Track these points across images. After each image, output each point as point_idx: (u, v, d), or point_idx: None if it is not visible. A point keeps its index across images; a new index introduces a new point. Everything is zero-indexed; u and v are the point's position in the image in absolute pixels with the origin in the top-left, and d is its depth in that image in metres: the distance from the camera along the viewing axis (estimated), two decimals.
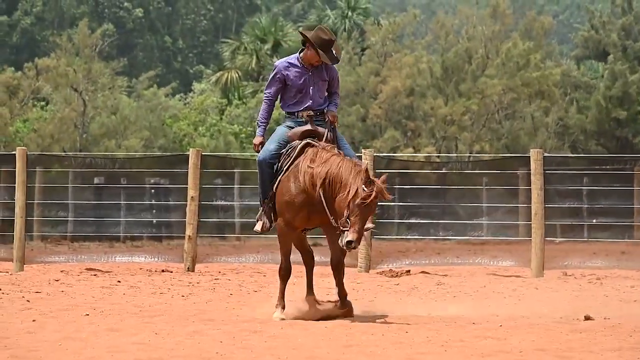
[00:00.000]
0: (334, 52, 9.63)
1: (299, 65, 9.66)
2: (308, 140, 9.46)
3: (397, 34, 34.81)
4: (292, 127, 9.63)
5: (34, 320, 9.07)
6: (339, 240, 8.94)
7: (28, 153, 16.25)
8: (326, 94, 9.78)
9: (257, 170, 9.68)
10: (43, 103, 34.83)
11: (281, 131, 9.64)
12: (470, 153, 30.03)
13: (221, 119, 35.59)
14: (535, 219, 15.10)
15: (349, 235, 8.80)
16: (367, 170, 8.99)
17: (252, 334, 8.26)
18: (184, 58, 55.00)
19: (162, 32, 54.37)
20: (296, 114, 9.67)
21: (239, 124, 35.26)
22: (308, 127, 9.57)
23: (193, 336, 8.11)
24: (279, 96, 9.77)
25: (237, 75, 41.20)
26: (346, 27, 42.02)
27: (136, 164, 21.06)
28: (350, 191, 8.85)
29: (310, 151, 9.34)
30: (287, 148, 9.49)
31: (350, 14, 43.39)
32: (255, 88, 40.05)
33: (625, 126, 32.56)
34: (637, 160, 18.10)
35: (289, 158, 9.41)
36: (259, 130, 9.72)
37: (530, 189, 15.24)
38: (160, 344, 7.68)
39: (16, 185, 15.98)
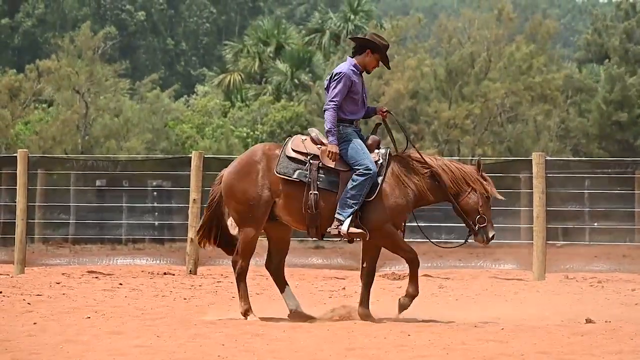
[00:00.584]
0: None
1: (357, 72, 9.73)
2: (389, 150, 9.77)
3: (400, 37, 34.79)
4: (356, 136, 9.71)
5: (35, 323, 9.05)
6: (480, 237, 9.57)
7: (29, 155, 16.26)
8: None
9: None
10: (45, 105, 34.83)
11: (360, 142, 9.70)
12: (472, 156, 30.01)
13: (226, 119, 35.59)
14: (537, 222, 15.12)
15: (491, 230, 9.54)
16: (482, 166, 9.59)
17: (254, 336, 8.26)
18: (187, 60, 54.99)
19: (164, 34, 54.36)
20: (354, 122, 9.76)
21: (241, 126, 35.26)
22: (376, 136, 9.80)
23: (195, 339, 8.10)
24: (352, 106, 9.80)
25: (239, 77, 41.23)
26: (348, 30, 42.01)
27: (138, 166, 21.06)
28: (481, 188, 9.61)
29: (399, 159, 9.74)
30: (378, 158, 9.67)
31: (352, 17, 43.39)
32: (258, 91, 40.07)
33: (626, 129, 32.55)
34: (638, 164, 18.09)
35: (383, 168, 9.60)
36: (333, 139, 9.62)
37: (532, 192, 15.25)
38: (162, 347, 7.67)
39: (17, 187, 15.98)
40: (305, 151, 9.53)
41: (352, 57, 9.77)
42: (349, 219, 9.41)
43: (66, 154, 29.22)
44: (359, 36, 10.03)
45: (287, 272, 10.07)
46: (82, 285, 13.35)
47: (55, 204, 19.47)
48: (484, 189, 9.75)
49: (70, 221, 19.95)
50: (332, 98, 9.59)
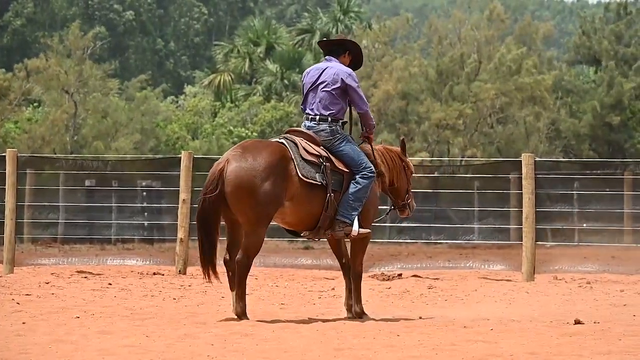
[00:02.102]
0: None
1: None
2: None
3: (390, 37, 34.77)
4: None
5: (24, 323, 9.01)
6: (407, 211, 10.16)
7: (18, 155, 16.18)
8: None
9: None
10: (35, 104, 34.72)
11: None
12: (462, 157, 30.02)
13: (214, 120, 35.51)
14: (526, 223, 15.07)
15: (412, 201, 10.17)
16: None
17: (243, 337, 8.22)
18: (176, 61, 54.87)
19: (154, 34, 54.22)
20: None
21: (232, 126, 35.17)
22: None
23: (184, 339, 8.06)
24: (347, 107, 9.93)
25: (229, 78, 41.14)
26: (338, 31, 41.96)
27: (128, 166, 20.97)
28: (408, 169, 10.06)
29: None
30: None
31: (342, 17, 43.35)
32: (248, 91, 39.99)
33: (617, 132, 32.61)
34: (627, 165, 18.12)
35: None
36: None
37: (522, 193, 15.21)
38: (151, 347, 7.63)
39: (6, 187, 15.89)
40: (318, 154, 9.53)
41: (332, 58, 9.82)
42: (356, 220, 9.51)
43: (55, 153, 29.10)
44: (336, 37, 10.08)
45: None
46: (71, 285, 13.29)
47: (45, 203, 19.39)
48: (410, 168, 10.21)
49: (60, 221, 19.88)
50: (366, 102, 10.01)
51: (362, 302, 9.86)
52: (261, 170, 9.20)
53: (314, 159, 9.46)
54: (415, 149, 30.55)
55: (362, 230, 9.55)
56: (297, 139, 9.57)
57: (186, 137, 33.85)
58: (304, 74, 10.02)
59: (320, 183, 9.43)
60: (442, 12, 46.70)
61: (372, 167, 9.63)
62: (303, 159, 9.42)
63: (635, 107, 32.58)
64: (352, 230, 9.49)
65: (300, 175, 9.34)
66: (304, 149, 9.48)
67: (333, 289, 13.07)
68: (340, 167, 9.56)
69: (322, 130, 9.67)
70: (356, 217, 9.53)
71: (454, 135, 31.36)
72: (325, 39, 10.30)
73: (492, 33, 32.66)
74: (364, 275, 9.97)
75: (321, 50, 10.07)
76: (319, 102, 9.72)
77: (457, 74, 32.23)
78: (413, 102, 31.88)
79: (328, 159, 9.52)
